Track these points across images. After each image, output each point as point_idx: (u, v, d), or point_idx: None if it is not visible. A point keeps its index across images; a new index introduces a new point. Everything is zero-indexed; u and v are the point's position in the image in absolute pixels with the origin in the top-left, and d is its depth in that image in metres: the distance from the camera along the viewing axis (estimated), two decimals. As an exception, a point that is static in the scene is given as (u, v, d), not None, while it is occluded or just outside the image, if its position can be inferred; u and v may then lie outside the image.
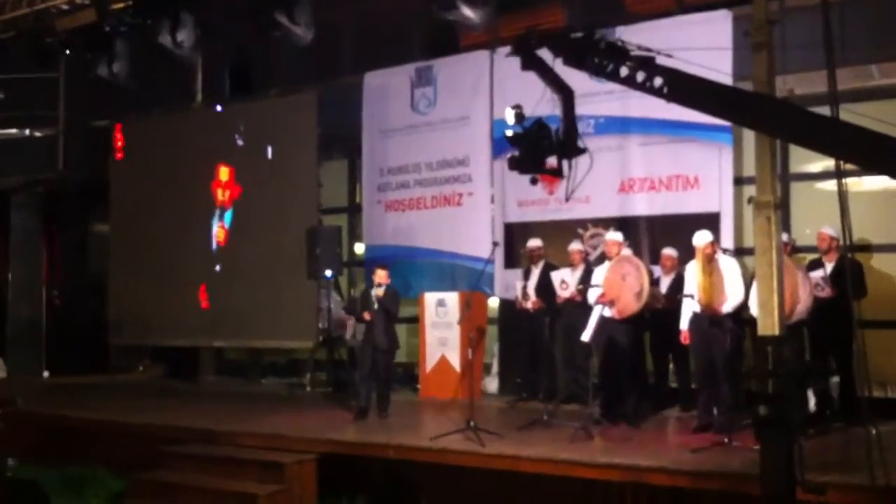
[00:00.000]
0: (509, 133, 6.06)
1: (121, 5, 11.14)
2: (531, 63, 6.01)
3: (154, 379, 14.38)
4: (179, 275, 13.25)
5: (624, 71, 5.40)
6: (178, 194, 13.42)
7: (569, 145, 5.92)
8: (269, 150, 12.63)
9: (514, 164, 6.07)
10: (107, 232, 14.73)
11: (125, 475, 8.45)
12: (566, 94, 5.98)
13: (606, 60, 5.51)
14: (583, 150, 5.98)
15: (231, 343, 13.37)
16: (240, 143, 12.98)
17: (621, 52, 5.47)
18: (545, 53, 6.04)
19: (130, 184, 14.02)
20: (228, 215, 13.02)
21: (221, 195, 13.06)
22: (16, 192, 15.59)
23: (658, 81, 5.26)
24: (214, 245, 13.10)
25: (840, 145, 4.66)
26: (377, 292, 9.17)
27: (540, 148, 5.91)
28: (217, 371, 14.00)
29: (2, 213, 15.67)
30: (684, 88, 5.21)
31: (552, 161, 5.98)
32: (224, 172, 13.02)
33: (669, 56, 5.45)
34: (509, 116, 6.20)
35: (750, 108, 5.18)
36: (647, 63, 5.33)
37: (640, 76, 5.32)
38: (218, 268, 13.01)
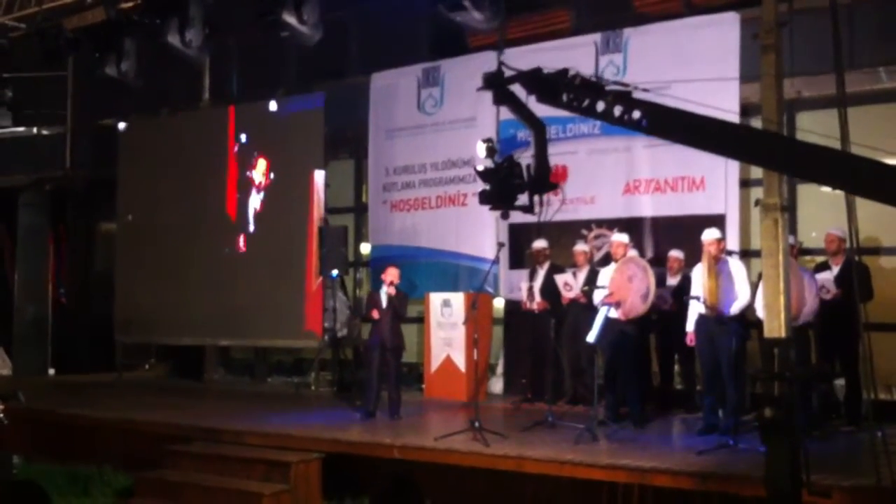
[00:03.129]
0: (480, 168, 6.05)
1: (130, 4, 11.17)
2: (503, 98, 5.98)
3: (160, 377, 14.42)
4: (185, 273, 13.27)
5: (601, 106, 5.33)
6: (185, 193, 13.44)
7: (541, 182, 5.88)
8: (275, 150, 12.65)
9: (485, 199, 6.04)
10: (113, 230, 14.77)
11: (131, 473, 8.47)
12: (538, 130, 5.94)
13: (582, 96, 5.45)
14: (554, 186, 5.96)
15: (237, 342, 13.39)
16: (245, 142, 12.99)
17: (597, 88, 5.39)
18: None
19: (137, 183, 14.05)
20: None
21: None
22: (23, 191, 15.64)
23: (636, 115, 5.20)
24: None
25: (831, 175, 4.60)
26: (388, 291, 9.15)
27: (510, 185, 5.89)
28: (223, 370, 14.03)
29: (9, 211, 15.72)
30: (663, 121, 5.13)
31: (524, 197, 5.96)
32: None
33: (647, 91, 5.39)
34: (480, 150, 6.22)
35: (732, 140, 5.10)
36: (623, 97, 5.26)
37: (618, 110, 5.25)
38: (226, 268, 13.03)
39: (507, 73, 5.92)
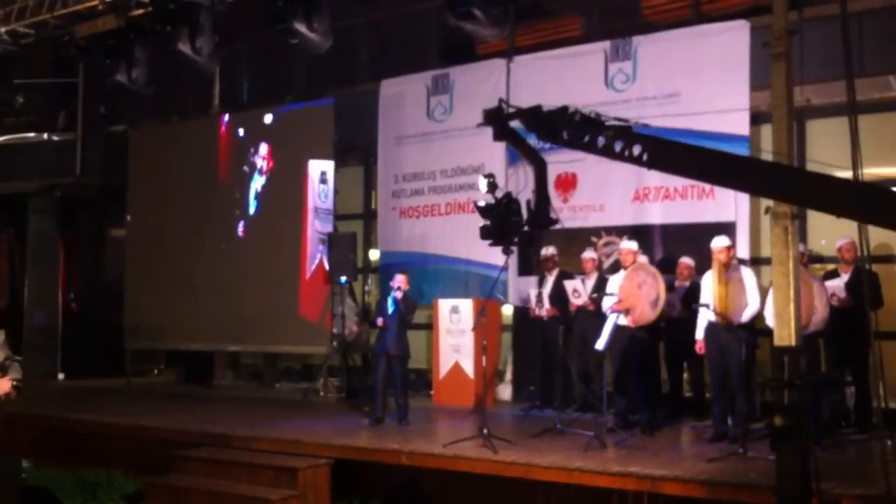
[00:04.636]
0: (481, 204, 6.04)
1: (140, 12, 11.25)
2: (503, 134, 5.97)
3: (169, 383, 14.44)
4: (194, 279, 13.31)
5: (601, 141, 5.31)
6: (193, 200, 13.49)
7: (540, 217, 5.85)
8: (286, 156, 12.69)
9: (485, 234, 6.03)
10: (123, 237, 14.81)
11: (139, 478, 8.48)
12: (539, 166, 5.91)
13: (582, 133, 5.42)
14: (555, 222, 5.94)
15: (246, 348, 13.41)
16: (255, 149, 13.04)
17: (597, 124, 5.37)
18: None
19: (147, 189, 14.11)
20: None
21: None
22: (33, 197, 15.70)
23: (637, 149, 5.18)
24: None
25: (838, 206, 4.57)
26: (396, 296, 9.15)
27: (508, 223, 5.87)
28: (232, 375, 14.05)
29: (19, 217, 15.78)
30: (664, 156, 5.12)
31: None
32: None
33: (647, 126, 5.38)
34: (482, 185, 6.20)
35: (735, 173, 5.07)
36: (624, 132, 5.25)
37: (618, 146, 5.24)
38: (232, 271, 13.06)
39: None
